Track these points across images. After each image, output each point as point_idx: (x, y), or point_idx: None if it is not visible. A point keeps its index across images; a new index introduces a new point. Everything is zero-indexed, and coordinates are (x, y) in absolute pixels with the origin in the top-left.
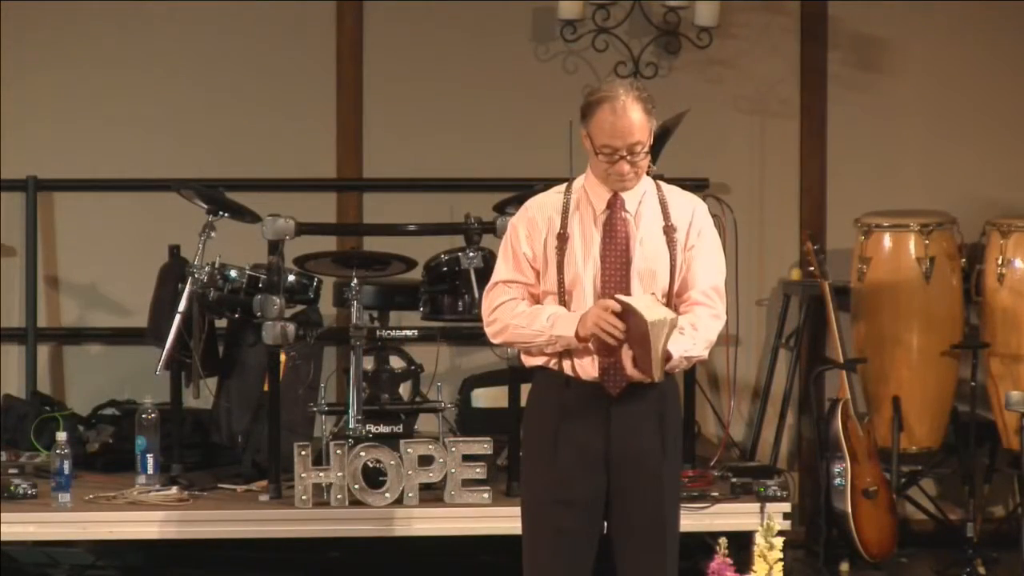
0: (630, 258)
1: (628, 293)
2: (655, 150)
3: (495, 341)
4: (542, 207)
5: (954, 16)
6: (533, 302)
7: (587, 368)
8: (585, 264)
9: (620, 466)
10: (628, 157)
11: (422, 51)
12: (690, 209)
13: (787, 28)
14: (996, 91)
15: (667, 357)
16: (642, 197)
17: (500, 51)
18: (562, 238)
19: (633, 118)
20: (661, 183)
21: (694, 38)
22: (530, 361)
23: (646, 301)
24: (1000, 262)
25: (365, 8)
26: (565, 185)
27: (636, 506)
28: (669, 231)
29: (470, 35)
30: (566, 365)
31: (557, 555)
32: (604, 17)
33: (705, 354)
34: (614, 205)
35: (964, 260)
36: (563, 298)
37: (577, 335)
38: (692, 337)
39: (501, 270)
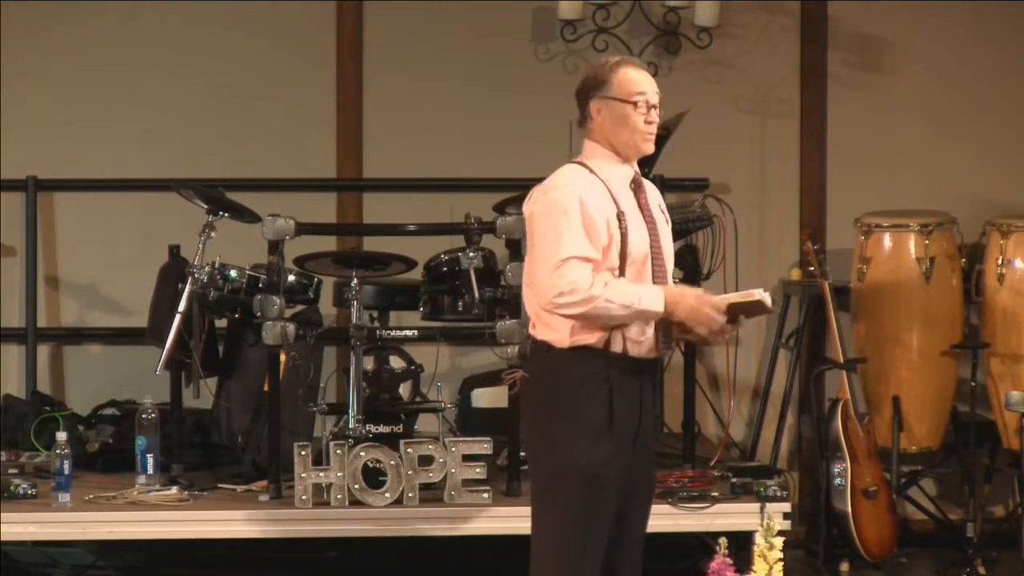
0: (659, 236)
1: (667, 271)
2: (655, 151)
3: (568, 313)
4: (586, 186)
5: (954, 16)
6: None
7: (638, 342)
8: (640, 244)
9: (643, 441)
10: (655, 110)
11: (422, 51)
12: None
13: (787, 28)
14: (996, 91)
15: None
16: (633, 175)
17: (500, 51)
18: (621, 216)
19: (648, 73)
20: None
21: (694, 38)
22: (574, 341)
23: (735, 295)
24: (1000, 262)
25: (365, 8)
26: (577, 167)
27: (643, 484)
28: (663, 211)
29: (470, 35)
30: (615, 342)
31: (598, 529)
32: (604, 17)
33: None
34: (639, 185)
35: (964, 260)
36: (622, 273)
37: (665, 311)
38: None
39: (571, 244)
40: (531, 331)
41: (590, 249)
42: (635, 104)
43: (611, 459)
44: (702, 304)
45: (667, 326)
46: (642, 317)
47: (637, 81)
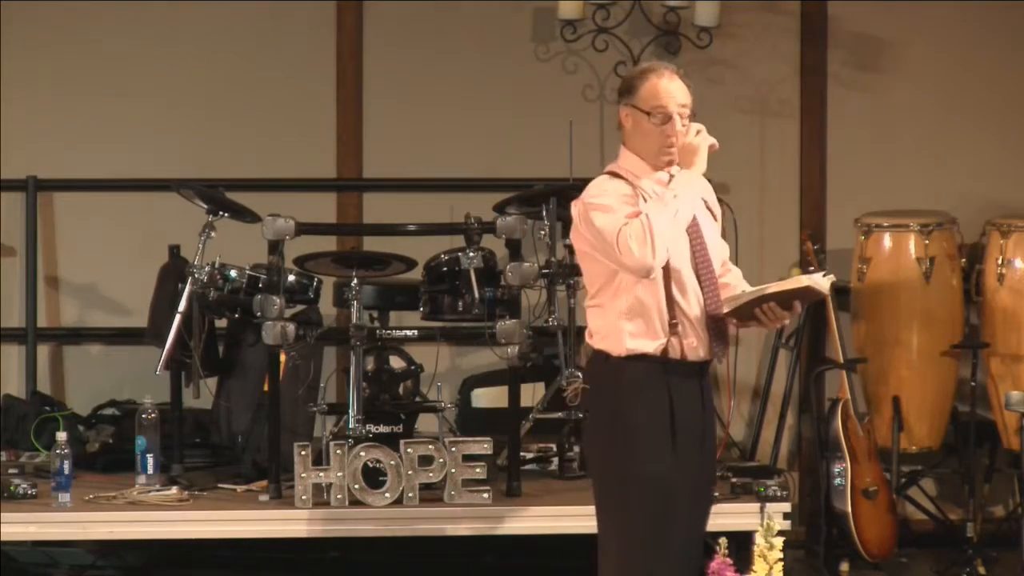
0: (704, 239)
1: (715, 274)
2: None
3: (643, 251)
4: (618, 192)
5: (954, 16)
6: None
7: (694, 348)
8: (679, 248)
9: (703, 444)
10: (679, 121)
11: (422, 51)
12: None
13: (787, 28)
14: (996, 91)
15: None
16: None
17: (500, 51)
18: None
19: (680, 83)
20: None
21: (694, 38)
22: (630, 349)
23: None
24: (1000, 262)
25: (365, 8)
26: (608, 176)
27: (701, 486)
28: (712, 214)
29: (470, 35)
30: (673, 349)
31: (656, 550)
32: (604, 17)
33: None
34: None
35: (964, 260)
36: (667, 283)
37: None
38: None
39: (618, 217)
40: (588, 340)
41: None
42: (653, 116)
43: (677, 466)
44: (696, 145)
45: (722, 327)
46: (690, 196)
47: (660, 93)
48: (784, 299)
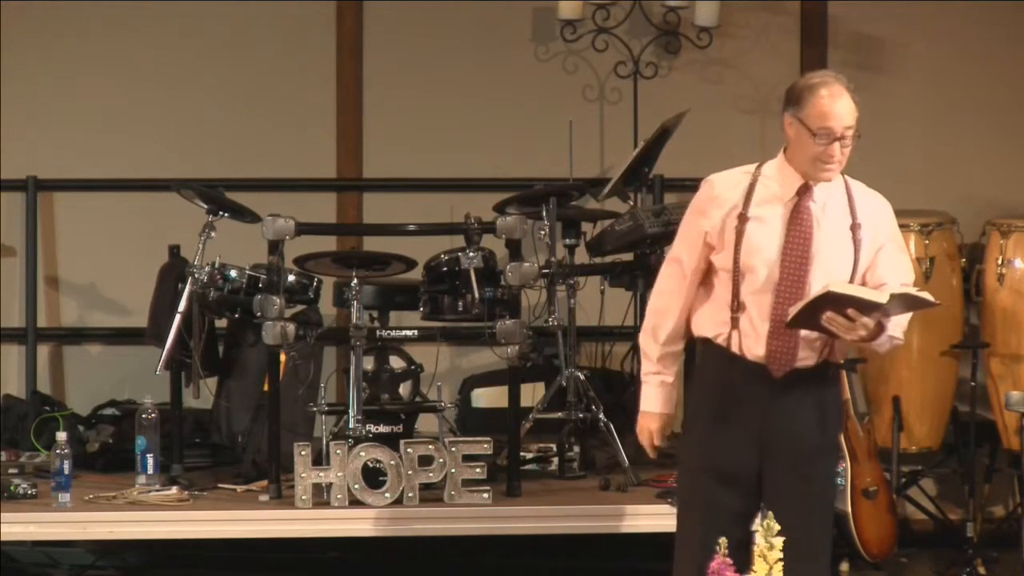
0: (811, 251)
1: (804, 285)
2: (655, 151)
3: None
4: (727, 184)
5: (954, 16)
6: (695, 279)
7: (753, 347)
8: (764, 249)
9: (775, 451)
10: (842, 140)
11: (422, 51)
12: (878, 209)
13: (787, 28)
14: (996, 91)
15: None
16: (831, 190)
17: (500, 51)
18: (743, 219)
19: (848, 102)
20: (848, 179)
21: (694, 38)
22: (700, 332)
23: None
24: (1000, 262)
25: (365, 8)
26: (755, 166)
27: (787, 496)
28: (855, 229)
29: (470, 35)
30: (734, 342)
31: (707, 528)
32: (604, 17)
33: (902, 341)
34: (804, 194)
35: (964, 260)
36: (736, 278)
37: (641, 421)
38: (897, 320)
39: (676, 244)
40: None
41: (683, 251)
42: (817, 135)
43: (714, 456)
44: (646, 428)
45: (790, 337)
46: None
47: (826, 114)
48: (839, 306)
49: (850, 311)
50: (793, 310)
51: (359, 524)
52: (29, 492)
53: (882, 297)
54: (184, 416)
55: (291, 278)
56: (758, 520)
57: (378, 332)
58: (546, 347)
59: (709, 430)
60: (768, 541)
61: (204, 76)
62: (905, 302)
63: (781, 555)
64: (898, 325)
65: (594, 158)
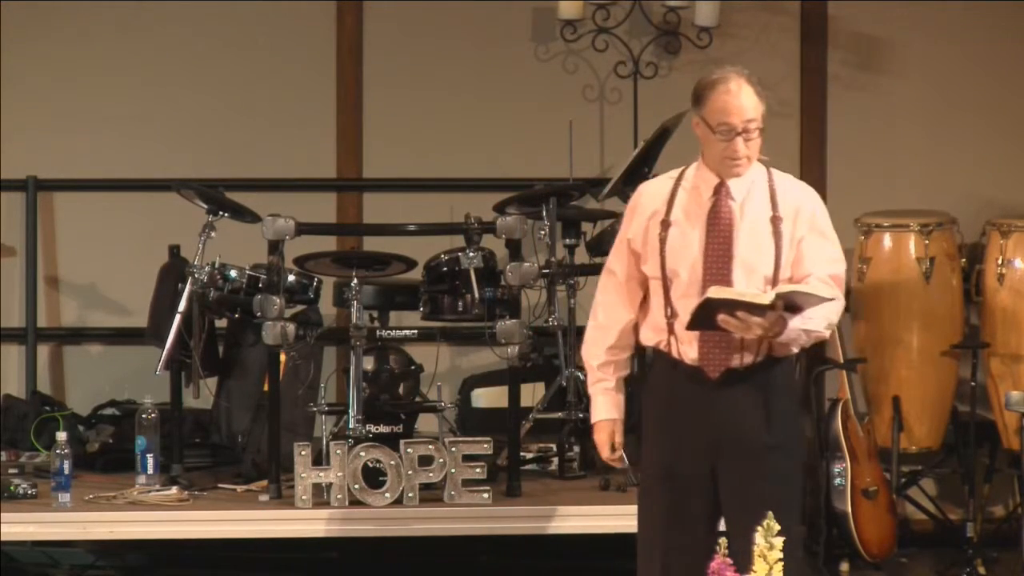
0: (732, 249)
1: (728, 284)
2: (655, 150)
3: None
4: (651, 192)
5: (954, 16)
6: (632, 286)
7: (688, 351)
8: (687, 252)
9: (724, 452)
10: (744, 135)
11: (422, 51)
12: (801, 199)
13: (787, 28)
14: (996, 91)
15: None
16: (751, 186)
17: (500, 51)
18: (665, 225)
19: (748, 96)
20: (773, 172)
21: (694, 38)
22: (645, 341)
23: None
24: (1000, 262)
25: (365, 8)
26: (680, 171)
27: (740, 497)
28: (775, 221)
29: (470, 35)
30: (673, 348)
31: (665, 532)
32: (604, 17)
33: (825, 333)
34: (720, 193)
35: (964, 260)
36: (665, 284)
37: (594, 436)
38: (816, 312)
39: (610, 255)
40: None
41: (617, 262)
42: (717, 131)
43: (663, 462)
44: (602, 433)
45: (721, 337)
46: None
47: (725, 110)
48: (728, 309)
49: (739, 313)
50: (687, 316)
51: (359, 524)
52: (29, 492)
53: (765, 298)
54: (184, 416)
55: (291, 278)
56: (723, 522)
57: (378, 332)
58: (546, 347)
59: (661, 436)
60: (768, 541)
61: (204, 76)
62: (801, 298)
63: (781, 555)
64: (818, 317)
65: (594, 158)
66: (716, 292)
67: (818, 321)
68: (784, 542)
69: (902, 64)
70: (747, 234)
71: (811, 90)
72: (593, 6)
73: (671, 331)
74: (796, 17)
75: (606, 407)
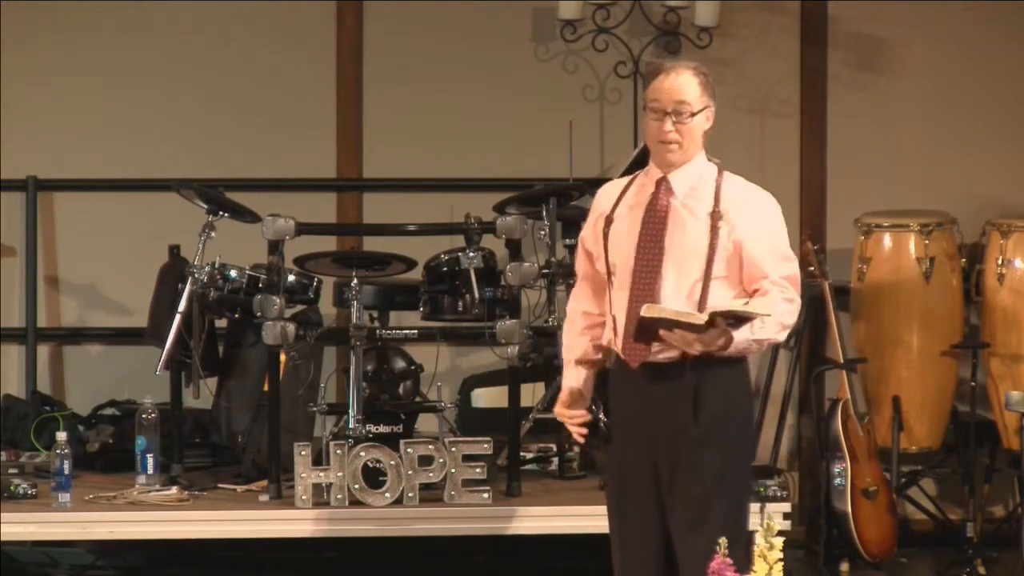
0: (663, 243)
1: (657, 277)
2: None
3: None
4: (606, 191)
5: (954, 16)
6: (591, 285)
7: (618, 344)
8: (624, 245)
9: (659, 447)
10: (673, 116)
11: (422, 51)
12: (747, 198)
13: (787, 28)
14: (996, 91)
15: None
16: (696, 181)
17: (500, 51)
18: (608, 221)
19: (685, 80)
20: (726, 173)
21: (694, 38)
22: (605, 340)
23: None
24: (1000, 262)
25: (365, 8)
26: (643, 171)
27: (676, 495)
28: (713, 217)
29: (470, 35)
30: (614, 345)
31: (619, 524)
32: (604, 17)
33: (780, 337)
34: (660, 187)
35: (964, 260)
36: (610, 279)
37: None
38: (761, 320)
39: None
40: None
41: (581, 263)
42: (647, 113)
43: (614, 459)
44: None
45: (644, 331)
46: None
47: (655, 89)
48: (666, 326)
49: (676, 331)
50: (623, 310)
51: (359, 524)
52: (29, 492)
53: (699, 319)
54: (184, 416)
55: (291, 278)
56: None
57: (378, 332)
58: (546, 347)
59: (615, 431)
60: (768, 541)
61: (204, 76)
62: (739, 315)
63: (781, 555)
64: (770, 324)
65: (594, 158)
66: (648, 311)
67: (770, 328)
68: (711, 541)
69: (902, 64)
70: (681, 228)
71: (811, 90)
72: (593, 6)
73: (614, 326)
74: (796, 17)
75: (568, 378)
